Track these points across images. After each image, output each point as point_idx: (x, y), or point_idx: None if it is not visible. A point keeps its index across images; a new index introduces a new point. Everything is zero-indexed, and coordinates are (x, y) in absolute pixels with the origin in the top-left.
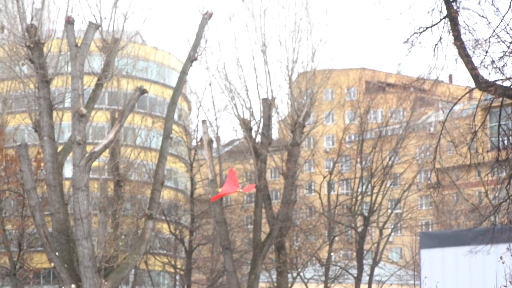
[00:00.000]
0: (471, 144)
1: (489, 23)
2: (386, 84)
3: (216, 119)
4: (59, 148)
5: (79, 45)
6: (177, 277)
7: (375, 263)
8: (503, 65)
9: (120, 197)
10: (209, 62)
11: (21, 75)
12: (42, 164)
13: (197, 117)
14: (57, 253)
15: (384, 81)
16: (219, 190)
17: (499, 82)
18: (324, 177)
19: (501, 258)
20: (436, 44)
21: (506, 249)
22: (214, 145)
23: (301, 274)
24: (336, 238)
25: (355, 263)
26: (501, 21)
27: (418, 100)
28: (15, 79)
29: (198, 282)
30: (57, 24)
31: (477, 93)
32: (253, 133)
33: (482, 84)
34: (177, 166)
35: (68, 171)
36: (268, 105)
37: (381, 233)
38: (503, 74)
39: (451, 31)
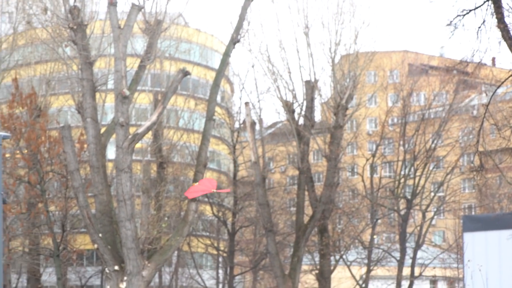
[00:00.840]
0: None
1: None
2: (429, 66)
3: (259, 101)
4: (102, 130)
5: (122, 26)
6: (220, 259)
7: (417, 246)
8: None
9: (163, 179)
10: (252, 44)
11: (64, 57)
12: (85, 145)
13: (240, 99)
14: (100, 235)
15: (427, 63)
16: (196, 184)
17: None
18: (367, 159)
19: None
20: (480, 27)
21: None
22: (257, 127)
23: (344, 256)
24: (379, 221)
25: (397, 246)
26: None
27: (461, 83)
28: (58, 60)
29: (240, 264)
30: (100, 6)
31: None
32: (296, 116)
33: None
34: (220, 148)
35: (111, 152)
36: (311, 87)
37: (424, 216)
38: None
39: (494, 13)
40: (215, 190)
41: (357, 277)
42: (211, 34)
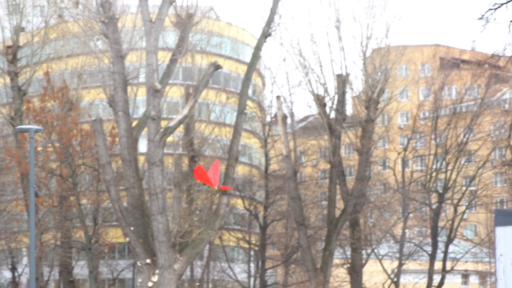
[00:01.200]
0: None
1: None
2: (461, 60)
3: (290, 94)
4: (134, 123)
5: (153, 20)
6: (252, 253)
7: (449, 240)
8: None
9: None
10: (283, 38)
11: (95, 50)
12: (117, 139)
13: (271, 92)
14: (132, 228)
15: (459, 57)
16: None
17: None
18: (399, 153)
19: None
20: (511, 21)
21: None
22: (288, 120)
23: (375, 250)
24: (411, 215)
25: (429, 240)
26: None
27: (492, 76)
28: (89, 54)
29: (272, 257)
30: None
31: None
32: (327, 109)
33: None
34: (251, 141)
35: (142, 146)
36: (342, 81)
37: (455, 210)
38: None
39: None
40: (216, 188)
41: (389, 271)
42: (243, 27)
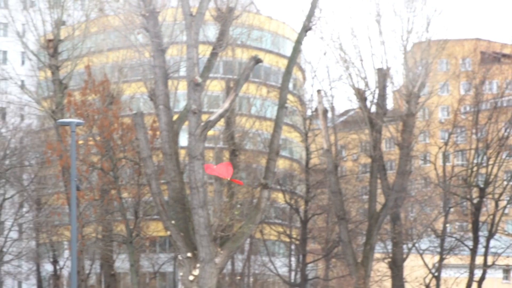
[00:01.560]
0: None
1: None
2: (502, 54)
3: (331, 89)
4: (175, 117)
5: (194, 14)
6: (292, 247)
7: (490, 235)
8: None
9: (235, 166)
10: (324, 32)
11: (136, 44)
12: (158, 132)
13: (312, 86)
14: (173, 222)
15: (500, 51)
16: (214, 165)
17: None
18: (440, 148)
19: None
20: None
21: None
22: (329, 114)
23: (416, 245)
24: (452, 209)
25: (470, 234)
26: None
27: None
28: (130, 48)
29: (313, 251)
30: None
31: None
32: (368, 103)
33: None
34: (292, 135)
35: (183, 139)
36: (383, 75)
37: (497, 205)
38: None
39: None
40: (229, 179)
41: (430, 266)
42: (283, 21)
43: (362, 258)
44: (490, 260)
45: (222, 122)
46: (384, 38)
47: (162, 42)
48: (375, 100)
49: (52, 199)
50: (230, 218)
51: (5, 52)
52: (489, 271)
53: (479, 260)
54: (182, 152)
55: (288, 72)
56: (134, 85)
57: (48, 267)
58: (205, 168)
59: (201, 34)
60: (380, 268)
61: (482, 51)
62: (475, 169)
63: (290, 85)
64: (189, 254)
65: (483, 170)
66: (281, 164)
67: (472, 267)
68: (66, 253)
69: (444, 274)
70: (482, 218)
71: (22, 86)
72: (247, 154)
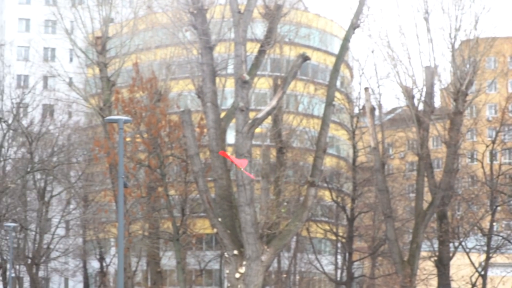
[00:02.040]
0: None
1: None
2: None
3: (378, 86)
4: (222, 114)
5: (242, 11)
6: (339, 245)
7: None
8: None
9: (282, 163)
10: (372, 29)
11: (184, 41)
12: (205, 130)
13: (359, 84)
14: (219, 219)
15: None
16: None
17: None
18: (487, 146)
19: None
20: None
21: None
22: (376, 112)
23: (463, 243)
24: (499, 208)
25: None
26: None
27: None
28: (178, 45)
29: (359, 250)
30: None
31: None
32: (416, 101)
33: None
34: (339, 133)
35: (230, 137)
36: (430, 73)
37: None
38: None
39: None
40: (242, 169)
41: (476, 264)
42: (331, 19)
43: (409, 256)
44: None
45: (269, 119)
46: (432, 36)
47: (210, 40)
48: (423, 98)
49: (99, 196)
50: (277, 216)
51: (53, 50)
52: None
53: None
54: (230, 150)
55: (335, 70)
56: (182, 83)
57: (94, 264)
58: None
59: (249, 31)
60: (426, 267)
61: None
62: None
63: (338, 83)
64: (235, 252)
65: None
66: (328, 162)
67: None
68: (113, 250)
69: (491, 273)
70: None
71: (70, 84)
72: (294, 151)
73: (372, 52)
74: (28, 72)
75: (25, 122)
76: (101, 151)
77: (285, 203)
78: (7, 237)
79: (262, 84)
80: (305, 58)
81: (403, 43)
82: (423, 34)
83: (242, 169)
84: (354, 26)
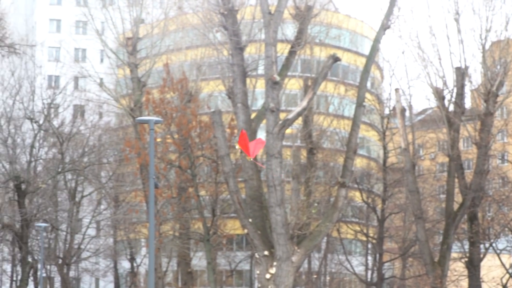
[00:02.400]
0: None
1: None
2: None
3: (409, 87)
4: (253, 115)
5: (272, 12)
6: (369, 246)
7: None
8: None
9: (313, 164)
10: (402, 30)
11: (215, 42)
12: (236, 130)
13: (390, 85)
14: (250, 220)
15: None
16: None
17: None
18: None
19: None
20: None
21: None
22: (407, 113)
23: (494, 245)
24: None
25: None
26: None
27: None
28: (209, 46)
29: (390, 251)
30: None
31: None
32: (446, 102)
33: None
34: (369, 134)
35: (261, 137)
36: (461, 74)
37: None
38: None
39: None
40: (251, 159)
41: (507, 266)
42: (361, 20)
43: (439, 257)
44: None
45: (300, 120)
46: (462, 37)
47: (241, 40)
48: (453, 99)
49: (130, 197)
50: (307, 217)
51: (84, 50)
52: None
53: None
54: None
55: (366, 71)
56: (212, 83)
57: (125, 264)
58: (240, 136)
59: (280, 32)
60: (457, 268)
61: None
62: None
63: (368, 84)
64: (266, 253)
65: None
66: (359, 163)
67: None
68: (143, 251)
69: None
70: None
71: (101, 84)
72: (324, 152)
73: (403, 53)
74: (59, 73)
75: (56, 123)
76: (131, 151)
77: (316, 204)
78: (38, 237)
79: (293, 85)
80: (336, 59)
81: (433, 44)
82: (453, 35)
83: (251, 159)
84: (384, 27)
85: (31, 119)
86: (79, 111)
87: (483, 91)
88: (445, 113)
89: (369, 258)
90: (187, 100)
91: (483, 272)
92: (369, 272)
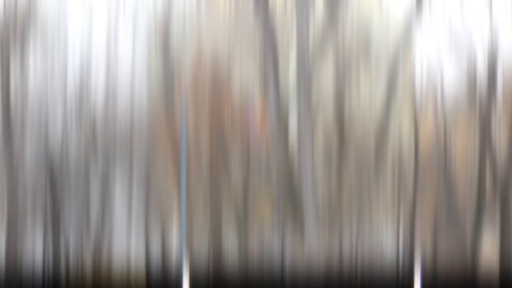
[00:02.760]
0: None
1: None
2: None
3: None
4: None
5: None
6: None
7: None
8: None
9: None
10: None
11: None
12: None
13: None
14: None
15: None
16: None
17: None
18: None
19: None
20: None
21: None
22: None
23: None
24: None
25: None
26: None
27: None
28: (243, 31)
29: None
30: None
31: None
32: None
33: None
34: None
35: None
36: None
37: None
38: None
39: None
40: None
41: None
42: None
43: None
44: None
45: None
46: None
47: (275, 26)
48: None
49: (160, 181)
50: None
51: (116, 34)
52: None
53: None
54: None
55: None
56: (245, 66)
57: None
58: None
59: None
60: None
61: None
62: None
63: None
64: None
65: None
66: None
67: None
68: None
69: None
70: None
71: (133, 69)
72: None
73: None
74: (92, 56)
75: (88, 106)
76: (163, 137)
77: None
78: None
79: None
80: None
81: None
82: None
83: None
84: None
85: (63, 102)
86: (111, 96)
87: None
88: None
89: None
90: (218, 84)
91: None
92: None
